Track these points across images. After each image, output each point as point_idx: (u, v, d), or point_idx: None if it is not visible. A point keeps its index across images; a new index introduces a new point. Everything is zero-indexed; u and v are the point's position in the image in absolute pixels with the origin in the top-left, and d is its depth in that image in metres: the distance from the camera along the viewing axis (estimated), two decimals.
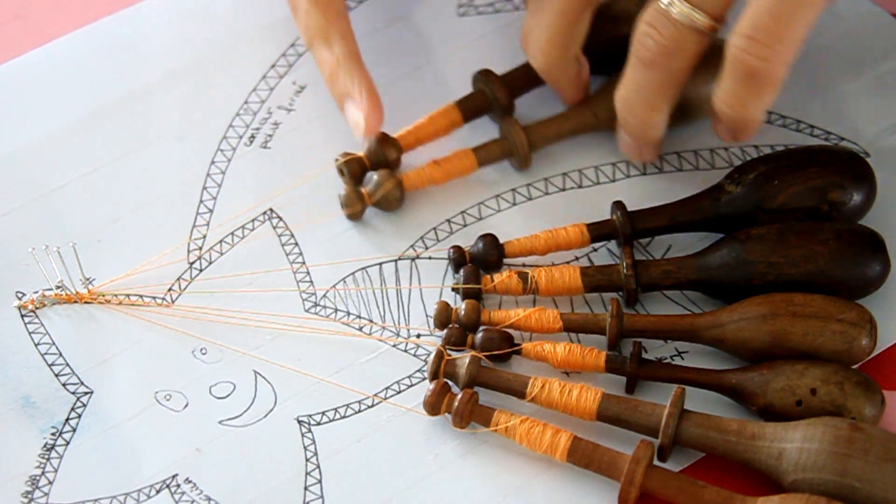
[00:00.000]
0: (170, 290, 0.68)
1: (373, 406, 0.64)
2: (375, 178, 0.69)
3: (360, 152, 0.71)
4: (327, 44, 0.69)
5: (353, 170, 0.70)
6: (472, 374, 0.63)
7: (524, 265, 0.68)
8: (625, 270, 0.65)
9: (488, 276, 0.67)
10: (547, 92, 0.72)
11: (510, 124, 0.70)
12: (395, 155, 0.70)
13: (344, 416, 0.64)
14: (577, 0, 0.67)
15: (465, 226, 0.70)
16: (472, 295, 0.66)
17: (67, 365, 0.66)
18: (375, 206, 0.70)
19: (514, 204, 0.71)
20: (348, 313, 0.67)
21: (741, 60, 0.62)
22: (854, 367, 0.63)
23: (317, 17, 0.69)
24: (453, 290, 0.67)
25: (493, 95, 0.72)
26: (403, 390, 0.65)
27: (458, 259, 0.67)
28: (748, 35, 0.61)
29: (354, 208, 0.69)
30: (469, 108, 0.72)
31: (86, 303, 0.68)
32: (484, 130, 0.73)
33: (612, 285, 0.66)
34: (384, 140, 0.70)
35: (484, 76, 0.72)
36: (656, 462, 0.61)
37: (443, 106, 0.72)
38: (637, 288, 0.65)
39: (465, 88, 0.74)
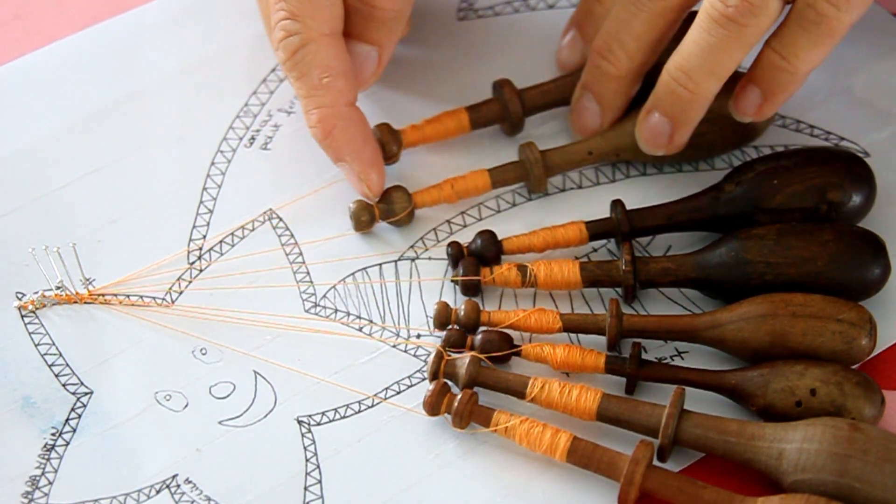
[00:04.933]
0: (170, 290, 0.68)
1: (373, 406, 0.64)
2: (389, 197, 0.69)
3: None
4: None
5: (363, 223, 0.69)
6: (472, 375, 0.63)
7: (523, 263, 0.67)
8: (623, 266, 0.65)
9: (487, 269, 0.67)
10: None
11: (529, 149, 0.70)
12: (396, 150, 0.70)
13: (344, 417, 0.64)
14: (673, 5, 0.67)
15: (464, 226, 0.70)
16: (471, 287, 0.67)
17: (67, 365, 0.66)
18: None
19: (514, 204, 0.71)
20: (348, 313, 0.67)
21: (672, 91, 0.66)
22: (854, 367, 0.63)
23: None
24: (452, 281, 0.67)
25: (506, 108, 0.71)
26: (403, 390, 0.65)
27: (457, 254, 0.67)
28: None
29: (364, 225, 0.69)
30: (479, 116, 0.71)
31: (86, 303, 0.68)
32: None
33: (610, 280, 0.66)
34: (388, 132, 0.70)
35: (502, 86, 0.71)
36: (656, 462, 0.61)
37: (453, 108, 0.72)
38: (635, 284, 0.65)
39: (465, 92, 0.74)
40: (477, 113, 0.71)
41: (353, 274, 0.68)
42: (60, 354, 0.66)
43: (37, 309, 0.67)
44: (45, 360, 0.66)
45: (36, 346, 0.66)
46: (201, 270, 0.69)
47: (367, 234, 0.70)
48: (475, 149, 0.73)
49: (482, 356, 0.64)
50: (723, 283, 0.65)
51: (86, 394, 0.65)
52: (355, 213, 0.69)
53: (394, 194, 0.69)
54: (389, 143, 0.70)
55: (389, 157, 0.70)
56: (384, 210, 0.69)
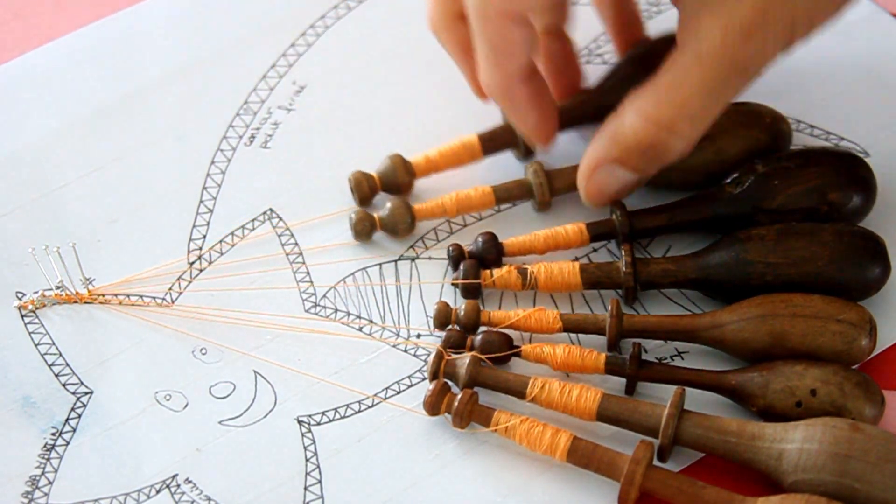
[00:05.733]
0: (170, 290, 0.68)
1: (373, 406, 0.64)
2: (389, 207, 0.69)
3: (373, 171, 0.70)
4: None
5: (364, 192, 0.70)
6: (472, 375, 0.63)
7: (523, 264, 0.67)
8: (624, 268, 0.65)
9: (487, 272, 0.67)
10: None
11: (534, 169, 0.69)
12: (409, 180, 0.70)
13: (344, 416, 0.64)
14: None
15: (465, 226, 0.70)
16: (472, 289, 0.67)
17: (67, 365, 0.66)
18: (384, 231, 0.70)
19: (515, 205, 0.71)
20: (348, 313, 0.67)
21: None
22: (854, 367, 0.63)
23: None
24: (453, 284, 0.67)
25: (518, 136, 0.71)
26: (403, 390, 0.65)
27: (457, 256, 0.67)
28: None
29: (364, 235, 0.69)
30: (492, 145, 0.71)
31: (86, 303, 0.68)
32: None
33: (610, 282, 0.66)
34: (401, 163, 0.70)
35: None
36: (656, 462, 0.61)
37: (466, 137, 0.71)
38: (636, 285, 0.65)
39: (464, 91, 0.74)
40: (489, 142, 0.71)
41: (353, 274, 0.68)
42: (60, 354, 0.66)
43: (37, 309, 0.67)
44: (45, 360, 0.66)
45: (36, 345, 0.66)
46: (201, 270, 0.69)
47: None
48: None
49: (482, 356, 0.64)
50: (723, 283, 0.65)
51: (86, 394, 0.65)
52: (356, 225, 0.69)
53: (396, 209, 0.69)
54: (402, 174, 0.70)
55: (402, 189, 0.70)
56: (386, 225, 0.69)
